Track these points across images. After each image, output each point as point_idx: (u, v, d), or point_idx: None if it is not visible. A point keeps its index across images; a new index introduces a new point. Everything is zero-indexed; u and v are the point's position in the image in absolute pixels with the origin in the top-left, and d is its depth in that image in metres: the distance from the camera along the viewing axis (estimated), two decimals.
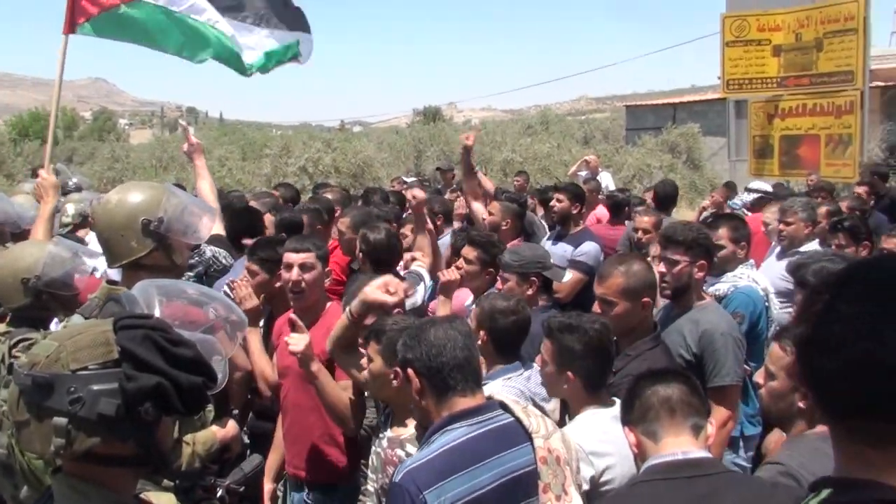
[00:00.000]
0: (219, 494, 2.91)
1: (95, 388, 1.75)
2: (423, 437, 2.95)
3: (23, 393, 1.80)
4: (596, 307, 3.93)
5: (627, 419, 2.70)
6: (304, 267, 4.05)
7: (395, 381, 3.22)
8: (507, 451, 2.71)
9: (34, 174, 8.77)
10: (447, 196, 9.26)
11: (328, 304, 4.21)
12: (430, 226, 5.77)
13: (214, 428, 3.27)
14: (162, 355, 1.81)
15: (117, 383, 1.76)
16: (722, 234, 5.10)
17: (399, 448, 3.24)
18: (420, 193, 5.86)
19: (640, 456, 2.65)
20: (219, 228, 5.02)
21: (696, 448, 2.52)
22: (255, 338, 4.19)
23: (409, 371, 2.80)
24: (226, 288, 4.32)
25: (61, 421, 1.75)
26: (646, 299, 3.81)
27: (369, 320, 3.51)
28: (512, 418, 2.81)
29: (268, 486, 4.15)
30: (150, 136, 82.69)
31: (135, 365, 1.78)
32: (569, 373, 3.25)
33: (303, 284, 4.05)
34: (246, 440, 4.20)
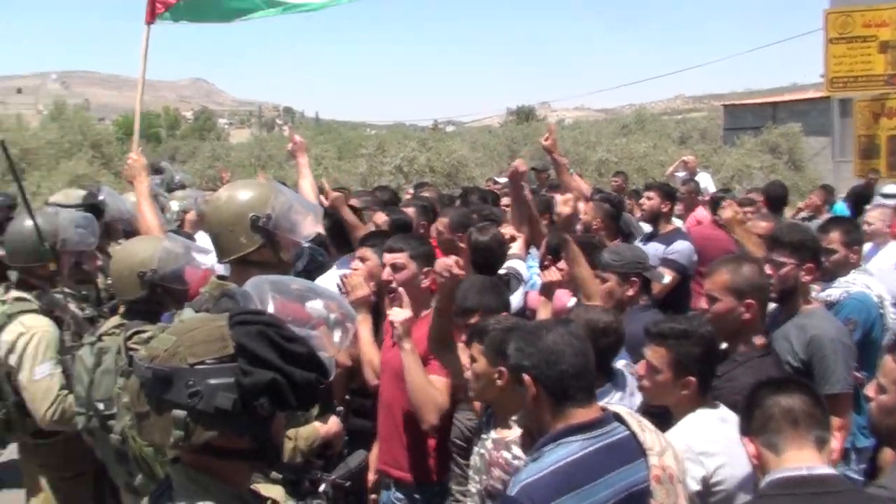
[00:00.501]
0: (322, 488, 2.93)
1: (213, 382, 1.79)
2: (530, 443, 2.92)
3: (143, 385, 1.84)
4: (703, 302, 3.84)
5: (747, 429, 2.62)
6: (394, 267, 4.06)
7: (499, 382, 3.23)
8: (623, 468, 2.63)
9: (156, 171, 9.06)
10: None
11: (432, 304, 4.19)
12: (529, 194, 5.67)
13: (317, 424, 3.30)
14: (276, 351, 1.83)
15: (233, 378, 1.79)
16: (834, 238, 4.92)
17: (505, 450, 3.20)
18: (522, 164, 5.78)
19: (759, 468, 2.57)
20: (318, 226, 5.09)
21: (821, 463, 2.44)
22: (365, 327, 4.20)
23: (526, 378, 2.71)
24: (339, 280, 4.36)
25: (180, 414, 1.79)
26: (750, 301, 3.69)
27: (474, 320, 3.50)
28: (627, 432, 2.73)
29: (372, 476, 4.18)
30: (248, 135, 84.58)
31: (250, 360, 1.81)
32: (689, 378, 3.18)
33: (393, 284, 4.06)
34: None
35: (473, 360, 3.34)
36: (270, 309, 2.60)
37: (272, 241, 3.27)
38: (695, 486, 2.95)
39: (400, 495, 3.97)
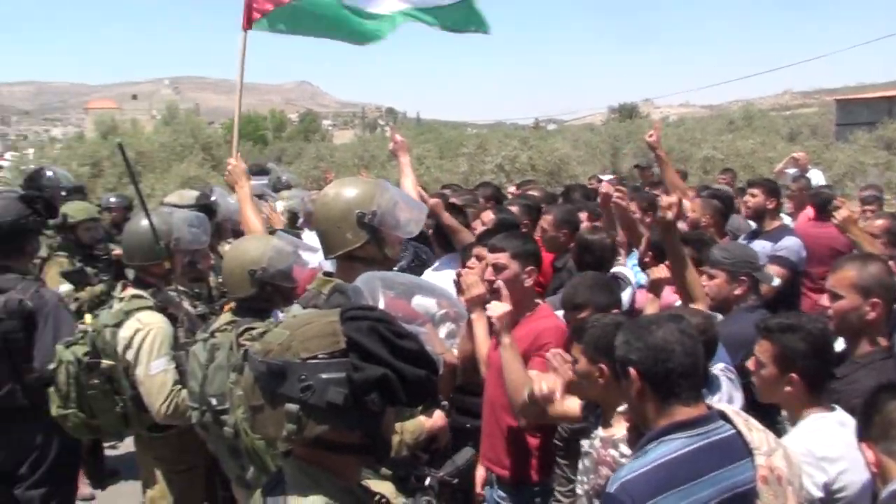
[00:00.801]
0: (427, 483, 2.93)
1: (324, 376, 1.80)
2: (635, 439, 2.87)
3: (257, 379, 1.87)
4: (825, 299, 3.70)
5: (866, 435, 2.51)
6: (496, 267, 4.04)
7: (600, 380, 3.20)
8: (728, 468, 2.55)
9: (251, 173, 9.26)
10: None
11: (538, 303, 4.16)
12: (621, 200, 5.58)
13: (423, 418, 3.31)
14: (387, 347, 1.84)
15: (345, 373, 1.81)
16: None
17: (612, 448, 3.17)
18: (608, 187, 5.71)
19: (880, 477, 2.46)
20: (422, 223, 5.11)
21: None
22: (480, 324, 4.18)
23: (632, 372, 2.66)
24: (454, 278, 4.36)
25: (293, 407, 1.81)
26: (876, 299, 3.54)
27: (583, 315, 3.45)
28: (732, 430, 2.65)
29: (480, 471, 4.17)
30: (351, 136, 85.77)
31: (361, 355, 1.82)
32: (793, 374, 3.07)
33: (494, 285, 4.03)
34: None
35: (575, 360, 3.30)
36: (381, 305, 2.62)
37: (377, 237, 3.30)
38: (817, 493, 2.84)
39: (502, 493, 3.96)
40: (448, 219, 5.29)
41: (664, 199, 4.23)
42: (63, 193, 7.51)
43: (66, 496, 4.77)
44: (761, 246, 6.22)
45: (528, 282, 4.04)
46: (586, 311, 3.81)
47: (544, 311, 4.09)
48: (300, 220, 7.44)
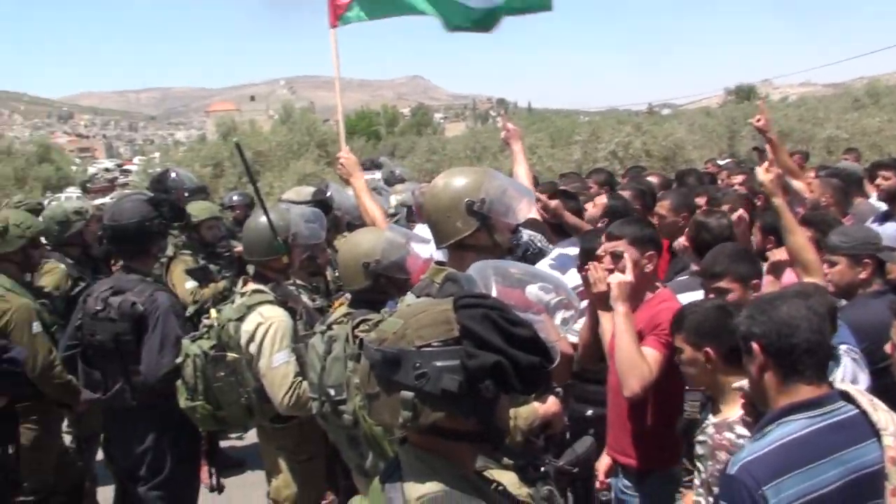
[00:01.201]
0: (542, 470, 2.92)
1: (439, 364, 1.82)
2: (753, 420, 2.82)
3: (373, 367, 1.90)
4: None
5: None
6: (614, 255, 3.98)
7: (707, 364, 3.19)
8: (852, 448, 2.47)
9: (364, 168, 9.40)
10: None
11: (658, 286, 4.09)
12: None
13: (536, 404, 3.28)
14: (501, 334, 1.84)
15: (459, 360, 1.81)
16: None
17: (727, 431, 3.14)
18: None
19: None
20: (534, 213, 5.08)
21: None
22: (607, 319, 4.10)
23: (755, 347, 2.58)
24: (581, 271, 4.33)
25: (408, 395, 1.83)
26: None
27: (721, 284, 3.38)
28: (857, 411, 2.56)
29: (605, 460, 4.13)
30: (463, 128, 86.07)
31: (475, 343, 1.82)
32: None
33: (619, 264, 3.97)
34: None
35: (680, 351, 3.29)
36: (494, 293, 2.63)
37: (487, 224, 3.30)
38: None
39: (627, 483, 3.91)
40: (570, 218, 5.25)
41: (761, 167, 4.15)
42: (186, 194, 7.78)
43: (186, 494, 4.88)
44: (893, 229, 5.96)
45: (649, 267, 3.96)
46: (725, 280, 3.80)
47: (664, 295, 4.01)
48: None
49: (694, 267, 4.79)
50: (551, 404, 3.33)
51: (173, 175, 7.86)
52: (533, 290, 2.82)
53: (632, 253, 3.90)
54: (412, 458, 1.92)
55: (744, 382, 2.86)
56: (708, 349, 3.17)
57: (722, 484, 2.63)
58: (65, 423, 5.83)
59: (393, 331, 1.89)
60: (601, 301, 3.99)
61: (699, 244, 4.77)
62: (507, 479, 2.17)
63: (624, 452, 3.93)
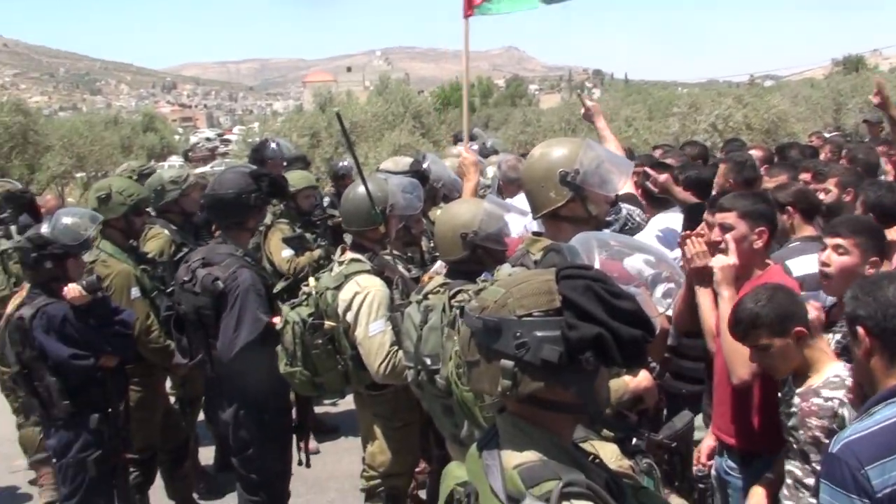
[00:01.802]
0: (634, 443, 2.90)
1: (539, 334, 1.81)
2: (859, 400, 2.77)
3: (473, 335, 1.90)
4: None
5: None
6: (723, 227, 3.87)
7: (797, 344, 3.16)
8: None
9: (456, 140, 9.42)
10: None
11: (769, 264, 3.93)
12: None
13: (627, 378, 3.27)
14: (603, 306, 1.82)
15: (559, 331, 1.80)
16: None
17: (814, 397, 3.12)
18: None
19: None
20: (629, 187, 5.01)
21: None
22: (706, 295, 4.00)
23: (860, 330, 2.53)
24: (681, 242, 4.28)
25: (508, 364, 1.83)
26: None
27: None
28: None
29: (709, 440, 4.07)
30: (558, 99, 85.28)
31: (576, 314, 1.81)
32: None
33: (721, 245, 3.88)
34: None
35: (767, 347, 3.21)
36: (596, 264, 2.61)
37: (581, 195, 3.30)
38: None
39: (731, 463, 3.84)
40: (680, 193, 5.15)
41: None
42: (285, 164, 7.91)
43: (275, 473, 4.87)
44: None
45: (758, 243, 3.80)
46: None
47: (775, 272, 3.89)
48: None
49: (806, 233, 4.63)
50: (643, 379, 3.31)
51: (273, 145, 7.94)
52: (635, 263, 2.80)
53: (741, 227, 3.79)
54: (510, 427, 1.93)
55: None
56: (797, 329, 3.14)
57: (824, 463, 2.58)
58: (168, 385, 6.05)
59: (494, 299, 1.89)
60: (698, 276, 3.92)
61: (807, 210, 4.62)
62: (608, 451, 2.18)
63: (730, 433, 3.84)
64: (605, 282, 1.88)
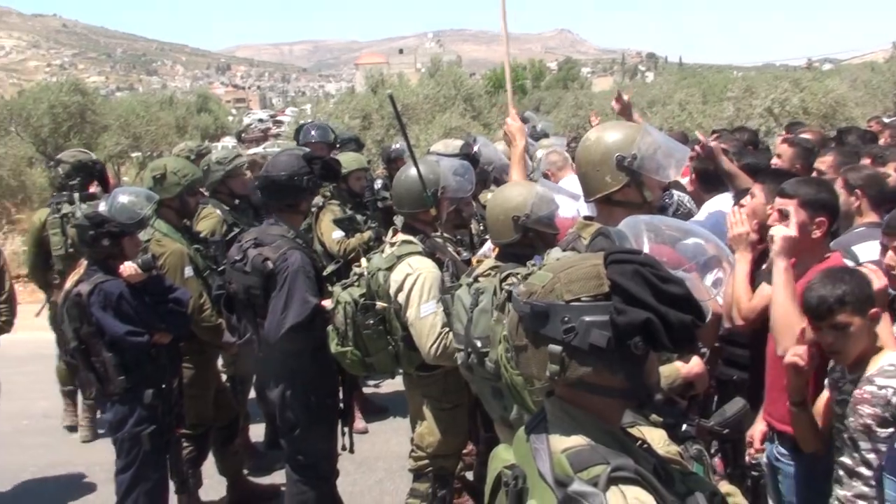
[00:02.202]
0: (684, 429, 2.88)
1: (588, 319, 1.80)
2: None
3: (521, 320, 1.90)
4: None
5: None
6: (781, 214, 3.81)
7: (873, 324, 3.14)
8: None
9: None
10: None
11: (828, 257, 3.84)
12: None
13: (679, 363, 3.25)
14: (652, 291, 1.81)
15: (608, 316, 1.80)
16: None
17: (867, 385, 3.12)
18: None
19: None
20: (684, 169, 4.97)
21: None
22: (741, 264, 4.03)
23: None
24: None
25: (556, 348, 1.83)
26: None
27: None
28: None
29: (761, 426, 4.03)
30: (611, 82, 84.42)
31: (625, 299, 1.80)
32: None
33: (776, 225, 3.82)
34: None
35: (846, 325, 3.16)
36: (646, 249, 2.59)
37: (637, 180, 3.28)
38: None
39: (783, 450, 3.81)
40: (727, 164, 5.08)
41: None
42: (337, 146, 7.97)
43: (322, 454, 4.92)
44: None
45: (817, 233, 3.73)
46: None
47: (836, 261, 3.82)
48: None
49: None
50: (694, 365, 3.28)
51: (313, 132, 8.01)
52: (685, 248, 2.76)
53: (800, 216, 3.73)
54: (558, 411, 1.93)
55: None
56: (873, 311, 3.15)
57: (890, 458, 2.57)
58: (220, 364, 6.14)
59: (542, 284, 1.89)
60: (737, 243, 3.91)
61: (877, 196, 4.52)
62: (656, 437, 2.17)
63: (782, 420, 3.80)
64: (654, 266, 1.86)
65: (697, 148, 5.08)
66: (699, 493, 1.93)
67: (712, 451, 3.79)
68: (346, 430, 5.13)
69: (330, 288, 4.82)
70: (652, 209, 3.39)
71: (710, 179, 5.21)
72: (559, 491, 1.76)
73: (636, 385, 1.87)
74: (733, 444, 3.96)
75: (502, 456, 2.07)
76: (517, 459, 1.98)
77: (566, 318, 1.81)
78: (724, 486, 2.26)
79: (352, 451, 5.14)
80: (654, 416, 2.67)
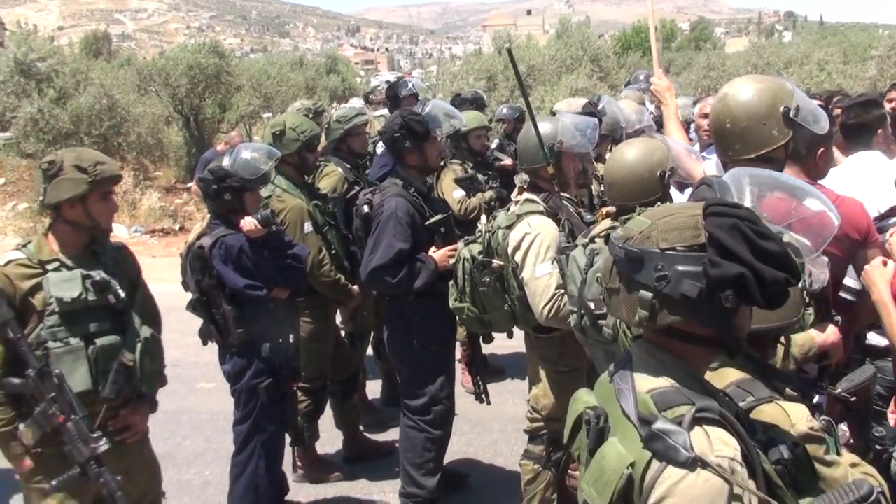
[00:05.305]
0: (815, 401, 2.74)
1: (681, 268, 1.81)
2: None
3: (616, 263, 1.93)
4: None
5: None
6: None
7: None
8: None
9: (627, 84, 9.14)
10: None
11: None
12: None
13: (813, 332, 3.11)
14: (748, 246, 1.80)
15: (701, 267, 1.80)
16: None
17: None
18: None
19: None
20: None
21: None
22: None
23: None
24: None
25: (647, 295, 1.85)
26: None
27: None
28: None
29: None
30: (745, 43, 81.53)
31: (720, 252, 1.80)
32: None
33: None
34: None
35: None
36: (748, 202, 2.52)
37: (798, 134, 3.17)
38: None
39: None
40: None
41: None
42: (457, 103, 7.96)
43: (429, 387, 5.05)
44: None
45: None
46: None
47: None
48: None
49: None
50: (830, 334, 3.14)
51: (410, 84, 8.26)
52: (791, 205, 2.59)
53: None
54: (645, 354, 1.96)
55: None
56: None
57: None
58: (339, 320, 6.20)
59: (640, 230, 1.90)
60: None
61: None
62: (798, 412, 2.15)
63: None
64: (754, 221, 1.85)
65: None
66: (782, 445, 1.94)
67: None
68: (477, 379, 5.43)
69: (437, 240, 5.00)
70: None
71: (854, 135, 4.87)
72: (643, 428, 1.79)
73: (725, 336, 1.88)
74: (860, 412, 3.75)
75: (583, 399, 2.11)
76: (599, 401, 2.03)
77: (659, 266, 1.83)
78: (847, 457, 2.23)
79: (488, 402, 5.44)
80: (787, 391, 2.52)
